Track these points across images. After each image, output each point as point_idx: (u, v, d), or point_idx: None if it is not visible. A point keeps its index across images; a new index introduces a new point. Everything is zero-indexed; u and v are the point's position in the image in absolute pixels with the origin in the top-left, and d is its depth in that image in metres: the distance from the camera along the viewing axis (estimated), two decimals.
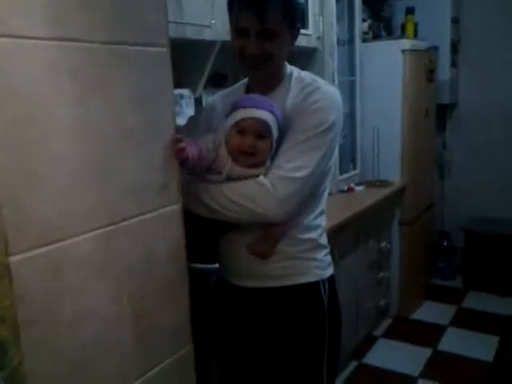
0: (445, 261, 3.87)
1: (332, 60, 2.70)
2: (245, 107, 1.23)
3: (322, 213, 1.36)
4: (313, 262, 1.32)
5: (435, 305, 3.49)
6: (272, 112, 1.21)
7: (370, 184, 3.08)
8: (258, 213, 1.20)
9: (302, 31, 2.38)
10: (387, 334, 3.12)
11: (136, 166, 0.97)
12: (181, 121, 2.05)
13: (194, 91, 2.08)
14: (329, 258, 1.39)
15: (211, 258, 1.48)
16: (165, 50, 1.01)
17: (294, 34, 1.31)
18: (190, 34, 1.80)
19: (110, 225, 0.93)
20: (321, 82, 1.31)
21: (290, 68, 1.36)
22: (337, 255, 2.39)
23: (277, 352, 1.33)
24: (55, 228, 0.83)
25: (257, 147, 1.21)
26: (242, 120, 1.21)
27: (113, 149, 0.92)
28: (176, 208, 1.08)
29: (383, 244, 3.04)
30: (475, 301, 3.51)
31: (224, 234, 1.36)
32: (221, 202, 1.21)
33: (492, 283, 3.59)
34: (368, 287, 2.90)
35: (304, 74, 1.35)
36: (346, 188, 2.95)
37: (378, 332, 3.13)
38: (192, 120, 2.05)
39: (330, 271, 1.37)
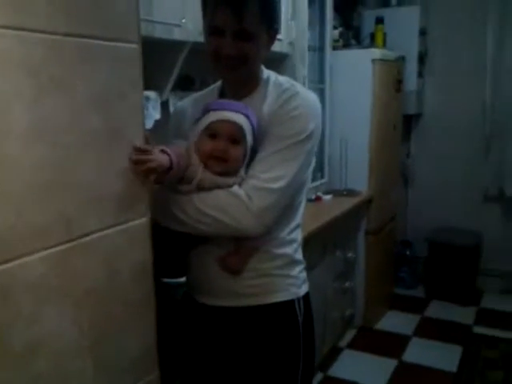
0: (407, 270, 3.89)
1: (303, 66, 2.65)
2: (217, 110, 1.15)
3: (297, 226, 1.29)
4: (288, 280, 1.25)
5: (399, 314, 3.50)
6: (247, 116, 1.14)
7: (338, 193, 3.05)
8: (231, 226, 1.12)
9: None
10: (352, 345, 3.08)
11: (99, 175, 0.87)
12: (147, 124, 1.93)
13: (160, 94, 1.97)
14: (304, 274, 1.32)
15: (179, 272, 1.39)
16: (135, 47, 0.92)
17: (272, 36, 1.24)
18: (159, 32, 1.70)
19: (67, 242, 0.82)
20: (299, 87, 1.24)
21: (266, 72, 1.28)
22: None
23: (248, 375, 1.24)
24: (2, 245, 0.71)
25: (229, 153, 1.13)
26: (213, 122, 1.13)
27: (73, 155, 0.81)
28: (144, 222, 0.98)
29: (349, 254, 3.01)
30: (437, 310, 3.53)
31: (193, 247, 1.27)
32: (191, 214, 1.12)
33: (453, 292, 3.63)
34: (334, 297, 2.86)
35: (282, 78, 1.28)
36: (313, 197, 2.90)
37: (343, 343, 3.09)
38: (158, 124, 1.95)
39: (305, 288, 1.30)
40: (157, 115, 1.96)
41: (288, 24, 2.42)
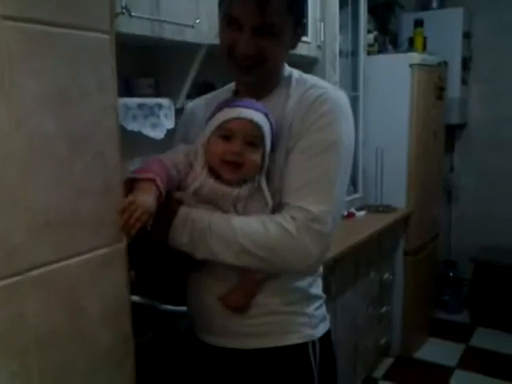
0: (451, 293, 3.58)
1: (334, 72, 2.45)
2: (232, 106, 0.98)
3: None
4: (300, 318, 1.05)
5: (441, 342, 3.20)
6: (266, 116, 0.98)
7: (373, 209, 2.81)
8: (278, 266, 0.98)
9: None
10: (388, 376, 2.82)
11: (57, 193, 0.70)
12: (158, 134, 1.79)
13: (174, 101, 1.83)
14: (322, 311, 1.12)
15: (179, 298, 1.21)
16: (106, 38, 0.75)
17: (298, 33, 1.06)
18: (168, 33, 1.55)
19: (12, 275, 0.66)
20: (327, 85, 1.06)
21: (289, 70, 1.10)
22: (334, 289, 2.13)
23: None
24: None
25: (245, 156, 0.96)
26: (228, 121, 0.97)
27: (22, 167, 0.65)
28: (116, 249, 0.80)
29: (385, 276, 2.76)
30: (484, 338, 3.21)
31: (193, 279, 1.09)
32: (232, 250, 0.96)
33: (502, 319, 3.29)
34: (368, 324, 2.61)
35: (307, 76, 1.10)
36: (345, 213, 2.67)
37: (378, 373, 2.83)
38: (172, 134, 1.80)
39: (323, 328, 1.10)
40: (170, 124, 1.81)
41: (316, 25, 2.24)
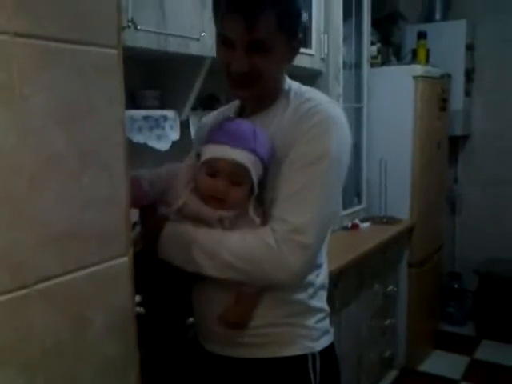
0: (455, 305, 3.56)
1: (337, 84, 2.47)
2: (218, 143, 0.99)
3: (319, 266, 1.09)
4: (300, 330, 1.05)
5: (445, 355, 3.18)
6: (253, 150, 0.98)
7: (377, 220, 2.81)
8: (263, 279, 0.99)
9: (305, 51, 2.15)
10: None
11: (63, 207, 0.70)
12: (163, 146, 1.81)
13: (179, 113, 1.84)
14: (325, 324, 1.11)
15: (184, 313, 1.22)
16: (114, 53, 0.76)
17: (294, 47, 1.07)
18: (173, 47, 1.57)
19: (18, 289, 0.66)
20: (322, 98, 1.07)
21: (289, 83, 1.12)
22: (338, 302, 2.12)
23: None
24: None
25: (229, 194, 0.98)
26: (212, 160, 0.99)
27: (27, 181, 0.66)
28: (123, 262, 0.80)
29: (390, 288, 2.75)
30: (489, 351, 3.19)
31: (197, 288, 1.10)
32: (217, 265, 0.98)
33: (507, 331, 3.27)
34: (372, 336, 2.60)
35: (305, 88, 1.11)
36: (349, 225, 2.67)
37: None
38: (177, 145, 1.81)
39: (325, 341, 1.09)
40: (175, 136, 1.82)
41: (320, 38, 2.25)
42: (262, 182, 1.02)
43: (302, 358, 1.04)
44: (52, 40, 0.67)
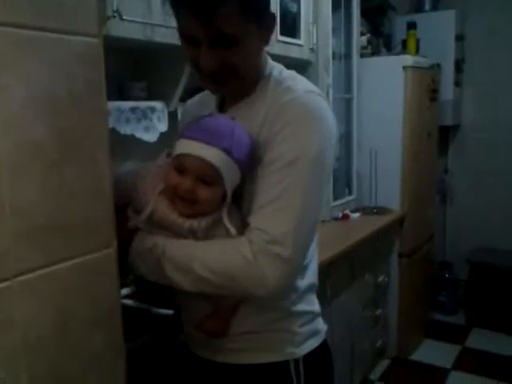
0: (447, 294, 3.59)
1: (327, 75, 2.46)
2: (189, 138, 0.90)
3: (304, 268, 1.02)
4: (282, 335, 1.00)
5: (436, 344, 3.20)
6: (227, 151, 0.88)
7: (367, 211, 2.82)
8: (239, 292, 0.93)
9: (294, 41, 2.14)
10: (384, 378, 2.82)
11: (46, 198, 0.69)
12: (151, 137, 1.79)
13: (168, 104, 1.83)
14: (311, 326, 1.05)
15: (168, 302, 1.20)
16: (95, 42, 0.75)
17: (266, 27, 0.95)
18: (159, 37, 1.55)
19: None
20: (302, 87, 0.96)
21: (270, 66, 1.01)
22: (329, 292, 2.13)
23: None
24: None
25: (197, 194, 0.90)
26: (181, 155, 0.91)
27: (7, 171, 0.65)
28: (108, 253, 0.80)
29: (381, 278, 2.76)
30: (480, 340, 3.22)
31: (178, 292, 1.06)
32: (191, 280, 0.91)
33: (498, 320, 3.30)
34: (364, 326, 2.61)
35: (287, 73, 1.01)
36: (340, 215, 2.68)
37: (375, 375, 2.83)
38: (165, 137, 1.80)
39: (311, 344, 1.04)
40: (163, 127, 1.81)
41: (309, 28, 2.24)
42: (240, 187, 0.95)
43: (283, 364, 1.00)
44: (30, 28, 0.66)
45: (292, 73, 1.02)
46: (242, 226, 0.93)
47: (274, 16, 0.96)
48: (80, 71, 0.73)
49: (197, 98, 1.20)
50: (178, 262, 0.91)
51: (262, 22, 0.93)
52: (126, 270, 0.96)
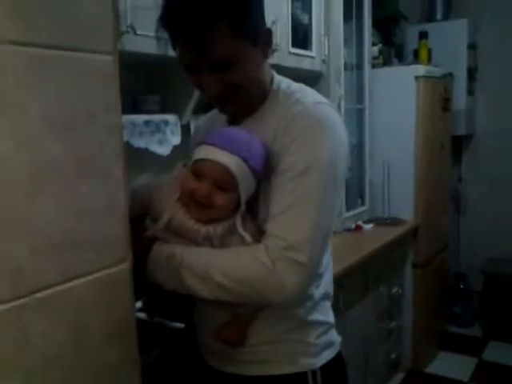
0: (462, 306, 3.54)
1: (339, 86, 2.46)
2: (208, 144, 0.94)
3: (319, 277, 1.03)
4: (299, 347, 1.01)
5: (452, 356, 3.15)
6: (245, 159, 0.91)
7: (380, 222, 2.80)
8: (256, 300, 0.94)
9: (305, 52, 2.15)
10: None
11: (60, 215, 0.70)
12: (164, 150, 1.80)
13: (180, 117, 1.84)
14: (327, 337, 1.06)
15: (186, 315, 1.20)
16: (110, 59, 0.76)
17: (264, 42, 0.96)
18: (172, 51, 1.55)
19: (17, 298, 0.65)
20: (312, 99, 0.97)
21: (278, 81, 1.03)
22: (342, 304, 2.10)
23: None
24: None
25: (213, 199, 0.92)
26: (201, 160, 0.93)
27: (24, 190, 0.65)
28: (123, 269, 0.80)
29: (394, 289, 2.73)
30: (497, 352, 3.16)
31: (197, 302, 1.07)
32: (209, 287, 0.92)
33: None
34: (378, 339, 2.58)
35: (295, 86, 1.02)
36: (353, 226, 2.66)
37: None
38: (178, 149, 1.80)
39: (327, 355, 1.04)
40: (176, 140, 1.82)
41: (321, 40, 2.25)
42: (255, 196, 0.97)
43: (301, 376, 1.00)
44: (47, 47, 0.67)
45: (301, 85, 1.04)
46: (257, 234, 0.94)
47: (269, 30, 0.98)
48: (95, 89, 0.74)
49: (209, 114, 1.23)
50: (196, 270, 0.92)
51: (256, 38, 0.94)
52: (141, 286, 0.97)
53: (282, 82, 1.03)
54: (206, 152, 0.93)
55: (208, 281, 0.91)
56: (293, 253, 0.88)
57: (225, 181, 0.92)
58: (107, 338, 0.78)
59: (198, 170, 0.93)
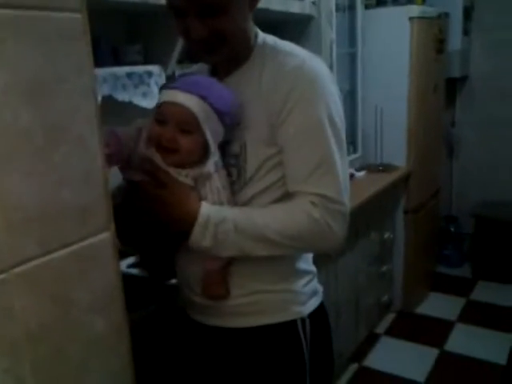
0: (452, 247, 3.61)
1: (330, 28, 2.36)
2: (171, 88, 0.95)
3: None
4: (286, 296, 1.04)
5: (442, 297, 3.24)
6: (204, 97, 0.92)
7: (373, 169, 2.78)
8: (306, 250, 1.06)
9: None
10: (390, 331, 2.88)
11: (36, 186, 0.67)
12: (149, 103, 1.74)
13: (165, 68, 1.76)
14: (312, 286, 1.10)
15: (166, 273, 1.21)
16: (78, 17, 0.70)
17: None
18: None
19: None
20: (304, 53, 1.01)
21: (262, 36, 1.04)
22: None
23: None
24: None
25: (178, 143, 0.93)
26: (162, 105, 0.95)
27: None
28: (105, 237, 0.78)
29: (386, 235, 2.77)
30: (485, 292, 3.25)
31: (179, 255, 1.08)
32: (264, 245, 0.97)
33: (504, 272, 3.33)
34: (369, 283, 2.64)
35: (282, 43, 1.04)
36: None
37: (381, 329, 2.89)
38: None
39: (313, 304, 1.09)
40: None
41: None
42: (230, 142, 0.99)
43: (291, 324, 1.04)
44: (7, 7, 0.62)
45: (286, 42, 1.04)
46: (230, 195, 0.99)
47: None
48: (65, 50, 0.69)
49: (193, 68, 1.22)
50: (250, 234, 0.96)
51: None
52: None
53: (268, 38, 1.04)
54: (166, 96, 0.95)
55: (264, 242, 0.96)
56: (336, 205, 0.96)
57: (187, 121, 0.92)
58: (93, 307, 0.77)
59: (160, 114, 0.95)
